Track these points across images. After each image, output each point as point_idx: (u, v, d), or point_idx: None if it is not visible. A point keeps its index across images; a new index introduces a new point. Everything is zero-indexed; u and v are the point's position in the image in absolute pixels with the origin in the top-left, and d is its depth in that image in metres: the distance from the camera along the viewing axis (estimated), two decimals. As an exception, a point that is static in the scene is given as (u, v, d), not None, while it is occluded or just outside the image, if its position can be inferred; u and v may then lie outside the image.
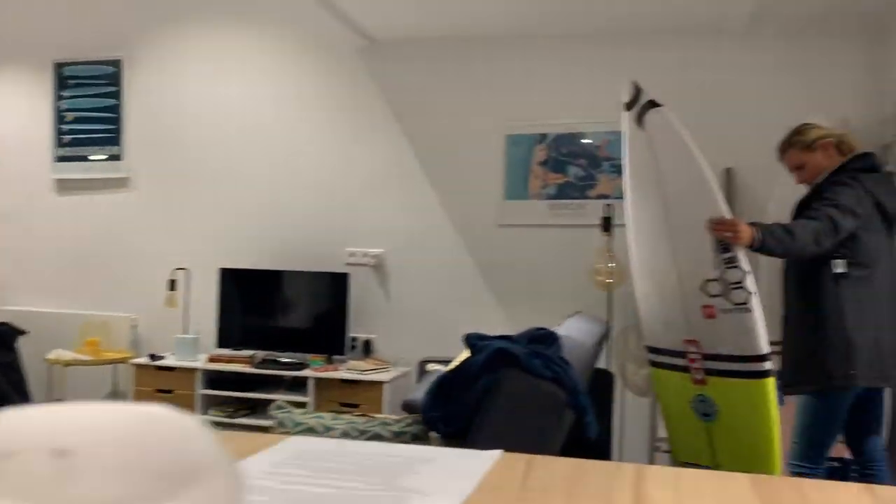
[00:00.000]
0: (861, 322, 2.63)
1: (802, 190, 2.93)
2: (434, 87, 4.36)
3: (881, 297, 2.67)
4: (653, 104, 2.70)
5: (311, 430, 2.07)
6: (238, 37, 4.61)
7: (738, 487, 0.85)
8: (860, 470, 2.89)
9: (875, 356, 2.63)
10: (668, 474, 0.88)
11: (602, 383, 3.11)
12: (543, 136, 4.21)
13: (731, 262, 2.55)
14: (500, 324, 4.21)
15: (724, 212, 2.57)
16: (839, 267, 2.65)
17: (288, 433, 2.14)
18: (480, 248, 4.29)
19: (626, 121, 2.76)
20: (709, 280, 2.60)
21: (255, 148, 4.58)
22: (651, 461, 3.47)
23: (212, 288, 4.54)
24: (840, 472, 3.29)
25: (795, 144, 2.86)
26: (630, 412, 4.02)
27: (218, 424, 4.07)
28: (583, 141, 4.16)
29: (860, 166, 2.75)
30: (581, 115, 4.16)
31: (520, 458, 0.92)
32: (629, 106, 2.76)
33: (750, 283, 2.54)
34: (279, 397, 4.04)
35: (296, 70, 4.53)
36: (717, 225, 2.55)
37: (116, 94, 4.81)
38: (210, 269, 4.57)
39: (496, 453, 0.94)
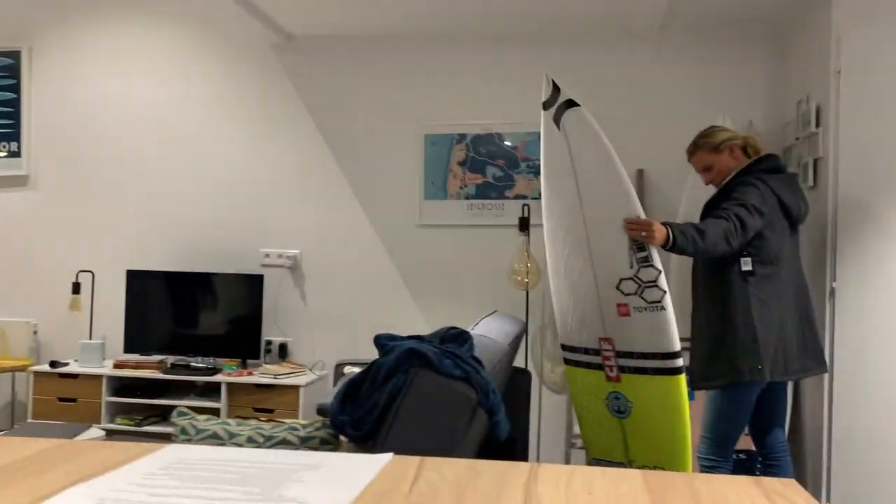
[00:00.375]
0: (767, 318, 2.71)
1: (711, 191, 3.01)
2: (351, 86, 4.30)
3: (785, 293, 2.77)
4: (570, 103, 2.70)
5: (214, 437, 1.99)
6: (148, 30, 4.44)
7: (630, 483, 0.84)
8: (764, 462, 2.98)
9: (779, 351, 2.72)
10: (560, 473, 0.87)
11: (520, 382, 3.11)
12: (462, 136, 4.21)
13: (646, 262, 2.59)
14: (418, 324, 4.19)
15: (639, 212, 2.60)
16: (746, 265, 2.73)
17: (190, 441, 2.05)
18: (399, 249, 4.25)
19: (543, 120, 2.76)
20: (623, 279, 2.63)
21: (164, 146, 4.42)
22: (567, 458, 3.51)
23: (119, 291, 4.35)
24: (746, 465, 3.40)
25: (703, 146, 2.93)
26: (548, 410, 4.06)
27: (123, 433, 3.90)
28: (501, 142, 4.18)
29: (765, 167, 2.83)
30: (499, 115, 4.17)
31: (411, 461, 0.89)
32: (547, 105, 2.75)
33: (663, 281, 2.58)
34: (190, 403, 3.91)
35: (208, 66, 4.39)
36: (632, 224, 2.59)
37: (15, 88, 4.56)
38: (117, 272, 4.38)
39: (387, 457, 0.90)
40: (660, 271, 2.57)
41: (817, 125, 3.27)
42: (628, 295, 2.63)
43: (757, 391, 2.79)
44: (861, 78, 3.00)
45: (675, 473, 0.86)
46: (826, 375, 3.04)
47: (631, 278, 2.61)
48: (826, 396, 3.07)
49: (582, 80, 4.09)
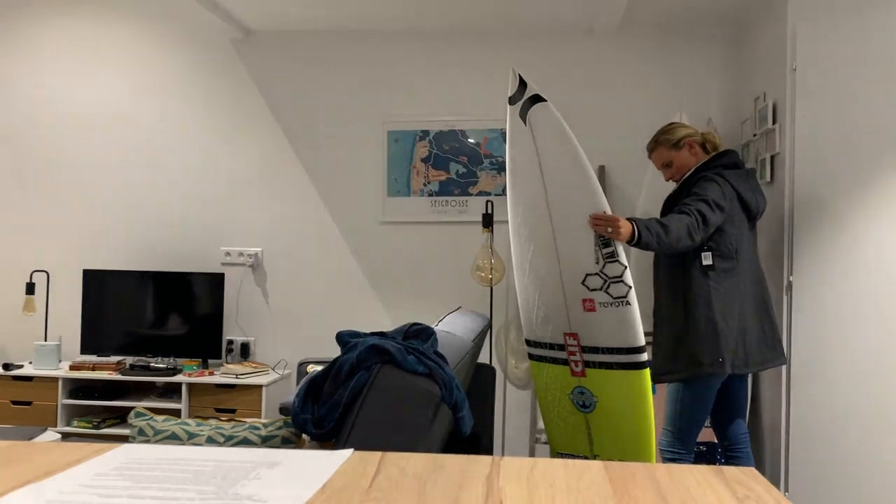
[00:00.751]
0: (727, 311, 2.75)
1: (671, 186, 3.04)
2: (313, 82, 4.26)
3: (745, 287, 2.81)
4: (537, 98, 2.68)
5: (173, 438, 1.95)
6: (103, 25, 4.34)
7: (592, 475, 0.83)
8: (725, 453, 3.02)
9: (740, 344, 2.76)
10: (523, 465, 0.86)
11: (484, 378, 3.11)
12: (425, 133, 4.19)
13: (612, 257, 2.59)
14: (383, 322, 4.16)
15: (605, 207, 2.61)
16: (706, 259, 2.76)
17: (148, 442, 2.00)
18: (362, 246, 4.22)
19: (509, 115, 2.74)
20: (589, 274, 2.64)
21: (122, 143, 4.32)
22: (532, 452, 3.52)
23: (75, 291, 4.25)
24: (707, 456, 3.44)
25: (663, 143, 2.96)
26: (512, 405, 4.07)
27: (80, 436, 3.81)
28: (464, 138, 4.17)
29: (724, 163, 2.87)
30: (462, 112, 4.17)
31: (372, 457, 0.88)
32: (513, 100, 2.73)
33: (629, 277, 2.60)
34: (149, 404, 3.83)
35: (166, 62, 4.31)
36: (598, 220, 2.60)
37: (-36, 83, 4.42)
38: (73, 271, 4.28)
39: (346, 453, 0.88)
40: (625, 267, 2.59)
41: (774, 122, 3.32)
42: (594, 290, 2.64)
43: (718, 384, 2.83)
44: (816, 75, 3.05)
45: (637, 464, 0.86)
46: (784, 367, 3.10)
47: (597, 274, 2.62)
48: (784, 387, 3.12)
49: (542, 78, 4.11)
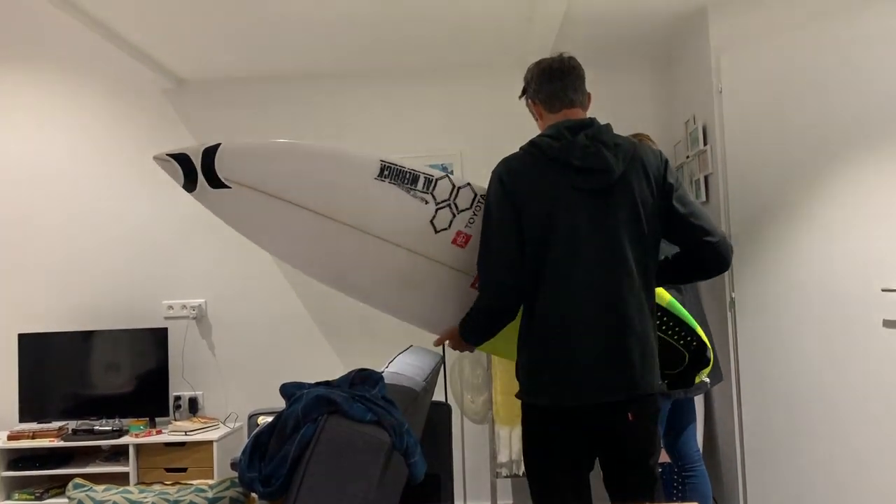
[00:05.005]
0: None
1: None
2: (248, 127, 4.22)
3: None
4: (209, 153, 2.22)
5: (115, 509, 1.86)
6: (30, 80, 4.23)
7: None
8: (680, 472, 3.03)
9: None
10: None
11: (440, 415, 3.07)
12: (366, 172, 4.17)
13: (427, 184, 2.22)
14: (335, 366, 4.10)
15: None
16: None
17: (88, 515, 1.91)
18: (309, 291, 4.16)
19: (206, 197, 2.27)
20: (432, 219, 2.25)
21: (54, 199, 4.20)
22: (493, 487, 3.48)
23: (9, 357, 4.09)
24: (663, 477, 3.45)
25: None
26: (471, 440, 4.03)
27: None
28: (405, 175, 4.17)
29: None
30: (405, 149, 4.17)
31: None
32: (189, 181, 2.28)
33: (454, 179, 2.25)
34: (95, 470, 3.69)
35: (96, 114, 4.22)
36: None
37: None
38: (7, 337, 4.11)
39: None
40: (442, 176, 2.25)
41: (705, 143, 3.40)
42: (451, 225, 2.24)
43: (667, 405, 2.85)
44: (741, 96, 3.15)
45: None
46: (735, 382, 3.14)
47: (437, 209, 2.23)
48: (735, 402, 3.15)
49: (480, 113, 4.15)
